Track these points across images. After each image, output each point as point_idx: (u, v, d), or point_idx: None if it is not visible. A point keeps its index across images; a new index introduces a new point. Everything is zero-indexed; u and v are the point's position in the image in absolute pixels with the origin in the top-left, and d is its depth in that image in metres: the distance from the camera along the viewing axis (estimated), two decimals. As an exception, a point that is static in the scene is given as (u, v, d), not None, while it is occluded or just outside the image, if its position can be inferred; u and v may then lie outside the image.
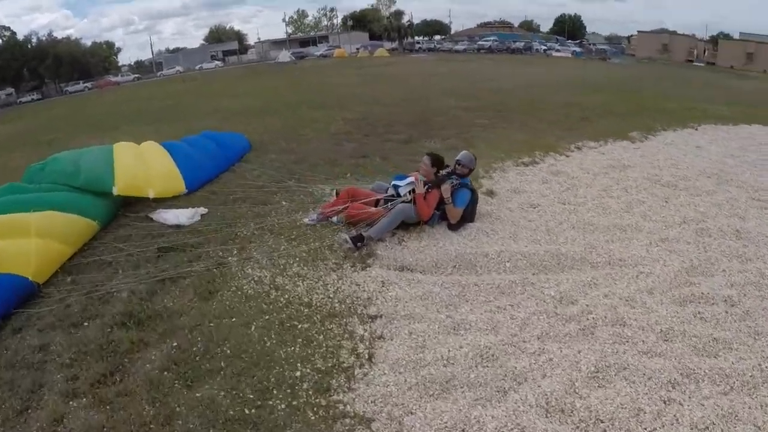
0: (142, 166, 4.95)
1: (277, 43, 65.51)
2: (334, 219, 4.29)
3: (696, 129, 8.89)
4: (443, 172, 4.29)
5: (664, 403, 2.43)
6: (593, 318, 3.10)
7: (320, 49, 56.36)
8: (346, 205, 4.27)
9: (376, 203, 4.23)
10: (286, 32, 70.57)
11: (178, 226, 4.25)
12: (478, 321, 3.07)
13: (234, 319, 3.00)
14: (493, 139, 7.59)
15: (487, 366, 2.65)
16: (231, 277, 3.50)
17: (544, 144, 7.24)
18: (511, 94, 13.68)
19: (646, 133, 8.36)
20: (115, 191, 4.50)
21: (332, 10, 77.35)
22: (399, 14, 72.14)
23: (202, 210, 4.57)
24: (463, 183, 4.27)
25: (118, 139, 6.22)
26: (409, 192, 4.10)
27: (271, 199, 4.96)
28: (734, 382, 2.57)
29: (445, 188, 4.11)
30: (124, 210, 4.77)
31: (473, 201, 4.31)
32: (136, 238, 4.13)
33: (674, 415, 2.34)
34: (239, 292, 3.30)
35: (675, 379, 2.58)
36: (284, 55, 46.94)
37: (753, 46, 43.80)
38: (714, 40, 54.95)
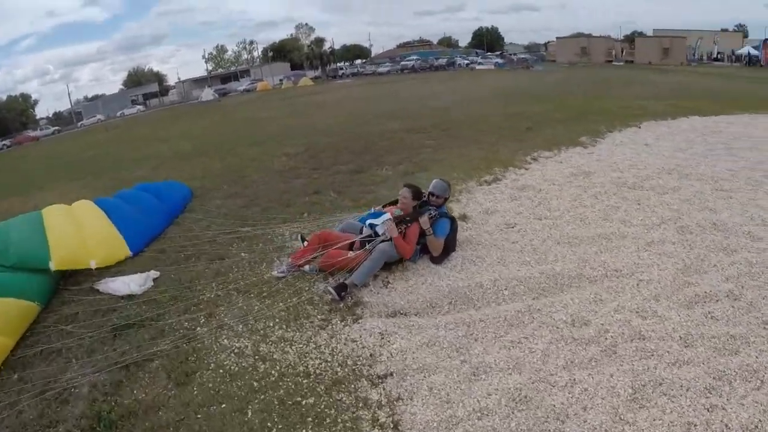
0: (78, 232, 4.89)
1: (199, 81, 70.96)
2: (307, 268, 4.27)
3: (639, 127, 10.11)
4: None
5: (708, 411, 2.64)
6: (611, 336, 3.32)
7: (243, 84, 60.41)
8: (319, 252, 4.27)
9: (351, 246, 4.25)
10: (207, 69, 74.64)
11: (130, 297, 4.15)
12: (497, 361, 3.14)
13: (224, 405, 2.80)
14: (448, 160, 8.01)
15: (524, 410, 2.70)
16: (206, 352, 3.32)
17: (500, 159, 7.79)
18: (449, 111, 14.65)
19: (595, 136, 9.32)
20: (53, 266, 4.30)
21: (251, 42, 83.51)
22: (320, 41, 78.49)
23: (154, 274, 4.51)
24: (441, 212, 4.45)
25: (45, 200, 6.26)
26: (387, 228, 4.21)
27: (228, 252, 4.97)
28: (763, 376, 2.86)
29: (424, 220, 4.26)
30: (65, 283, 4.53)
31: (453, 229, 4.49)
32: (84, 316, 3.96)
33: (722, 421, 2.56)
34: (221, 370, 3.12)
35: (710, 384, 2.82)
36: (207, 93, 50.61)
37: (668, 41, 51.42)
38: (630, 39, 63.60)
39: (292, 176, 8.06)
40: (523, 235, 4.88)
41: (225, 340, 3.44)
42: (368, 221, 4.32)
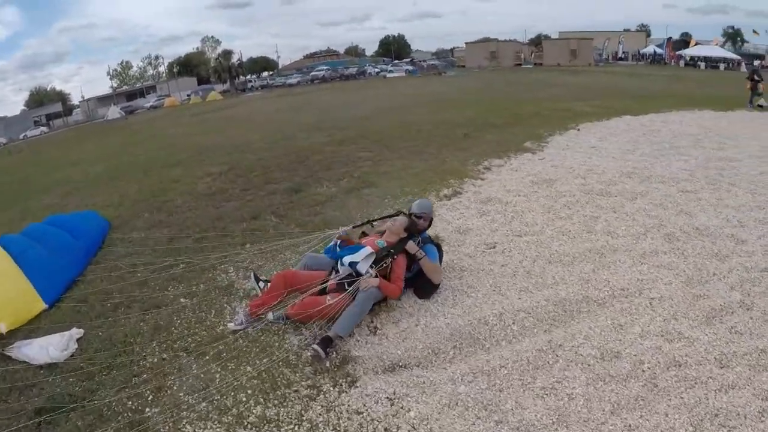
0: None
1: (104, 99, 72.27)
2: (270, 316, 3.81)
3: (578, 130, 10.76)
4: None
5: (771, 437, 2.62)
6: (648, 368, 3.26)
7: (149, 100, 62.38)
8: (284, 297, 3.84)
9: (323, 288, 3.81)
10: (112, 86, 76.77)
11: (50, 365, 3.58)
12: (538, 416, 2.94)
13: None
14: (393, 173, 7.84)
15: (592, 473, 2.46)
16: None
17: (451, 170, 7.77)
18: (375, 120, 14.66)
19: (538, 141, 9.75)
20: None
21: (157, 57, 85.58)
22: (228, 54, 79.63)
23: (77, 332, 3.94)
24: (424, 238, 4.20)
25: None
26: (371, 266, 3.81)
27: (165, 298, 4.47)
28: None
29: (411, 245, 4.00)
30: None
31: (440, 258, 4.24)
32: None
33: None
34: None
35: (761, 407, 2.88)
36: (113, 111, 49.83)
37: (575, 43, 56.99)
38: (536, 42, 69.37)
39: (222, 199, 7.50)
40: (510, 257, 4.76)
41: (187, 427, 2.86)
42: (346, 258, 3.88)
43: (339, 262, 3.95)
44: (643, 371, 3.27)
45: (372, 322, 3.82)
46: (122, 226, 6.59)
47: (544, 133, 10.51)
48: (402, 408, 2.98)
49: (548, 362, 3.42)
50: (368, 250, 3.86)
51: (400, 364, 3.43)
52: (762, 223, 5.31)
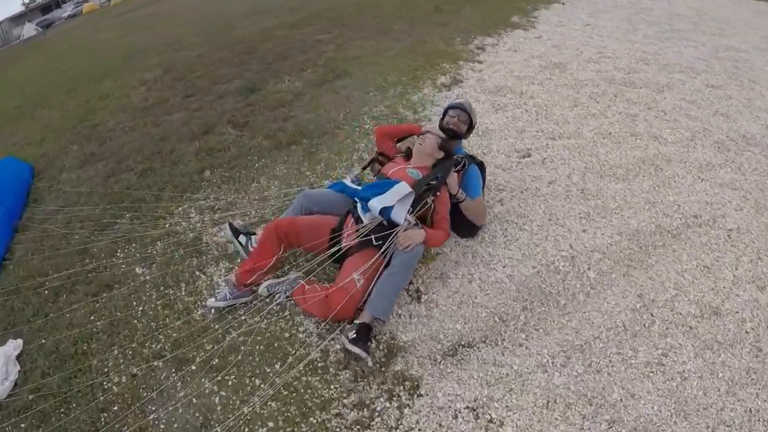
0: None
1: (17, 19, 60.05)
2: (263, 289, 2.61)
3: (563, 3, 9.26)
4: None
5: None
6: (752, 329, 2.63)
7: (66, 10, 52.48)
8: (280, 257, 2.59)
9: (336, 234, 2.62)
10: (24, 3, 63.27)
11: None
12: (656, 409, 2.19)
13: None
14: (366, 59, 6.21)
15: None
16: None
17: (436, 51, 6.28)
18: None
19: (525, 16, 8.25)
20: None
21: None
22: None
23: (15, 346, 2.59)
24: (463, 154, 3.03)
25: None
26: (409, 212, 2.55)
27: (114, 271, 3.06)
28: None
29: (452, 181, 2.80)
30: None
31: (483, 181, 3.07)
32: None
33: None
34: None
35: None
36: (29, 29, 41.35)
37: None
38: None
39: (163, 112, 5.49)
40: (554, 169, 3.69)
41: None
42: (374, 202, 2.54)
43: (359, 204, 2.65)
44: (747, 333, 2.58)
45: (412, 283, 2.71)
46: (48, 169, 4.68)
47: (527, 6, 8.93)
48: (492, 422, 2.03)
49: (645, 325, 2.58)
50: (404, 187, 2.57)
51: (463, 342, 2.42)
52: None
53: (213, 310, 2.61)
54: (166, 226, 3.36)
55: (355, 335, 2.24)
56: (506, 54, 6.22)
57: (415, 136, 3.04)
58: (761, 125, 4.63)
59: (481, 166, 3.06)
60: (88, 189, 3.99)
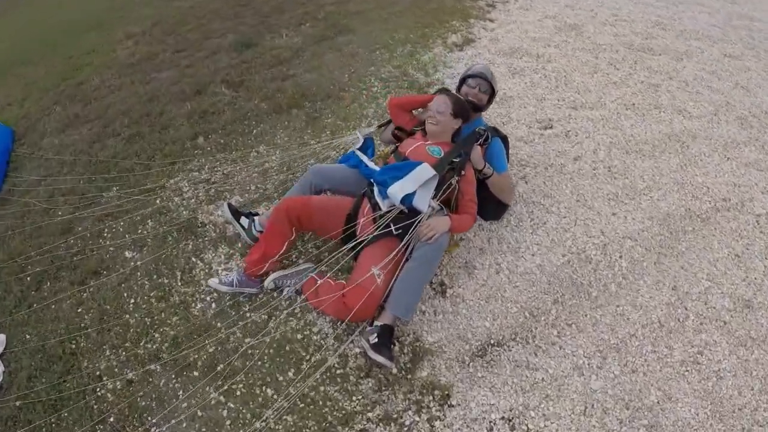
0: None
1: None
2: (270, 283, 2.33)
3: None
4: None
5: None
6: None
7: None
8: (292, 243, 2.33)
9: (353, 215, 2.35)
10: None
11: None
12: (693, 412, 2.09)
13: None
14: (370, 14, 5.68)
15: None
16: None
17: (447, 9, 5.76)
18: None
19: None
20: None
21: None
22: None
23: None
24: (483, 126, 2.70)
25: None
26: (433, 197, 2.25)
27: (101, 254, 2.72)
28: None
29: (476, 156, 2.47)
30: None
31: (507, 154, 2.79)
32: None
33: None
34: None
35: None
36: None
37: None
38: None
39: (152, 68, 4.90)
40: (579, 143, 3.43)
41: None
42: (394, 188, 2.21)
43: (375, 188, 2.34)
44: None
45: (435, 274, 2.46)
46: (30, 132, 4.15)
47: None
48: (529, 432, 1.83)
49: (679, 320, 2.44)
50: (426, 170, 2.25)
51: (492, 341, 2.23)
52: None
53: (213, 305, 2.34)
54: (157, 201, 3.01)
55: (377, 339, 2.01)
56: (518, 12, 5.78)
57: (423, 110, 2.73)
58: (782, 101, 4.41)
59: (505, 140, 2.77)
60: (71, 157, 3.57)
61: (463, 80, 2.81)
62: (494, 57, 4.54)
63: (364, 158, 2.59)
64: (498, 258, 2.54)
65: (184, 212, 2.92)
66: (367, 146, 2.69)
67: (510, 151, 3.00)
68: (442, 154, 2.41)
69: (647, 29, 5.44)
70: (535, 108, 3.79)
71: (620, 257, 2.63)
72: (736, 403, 2.15)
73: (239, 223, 2.56)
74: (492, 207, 2.69)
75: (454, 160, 2.36)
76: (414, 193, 2.18)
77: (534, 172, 3.12)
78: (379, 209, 2.25)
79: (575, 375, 2.10)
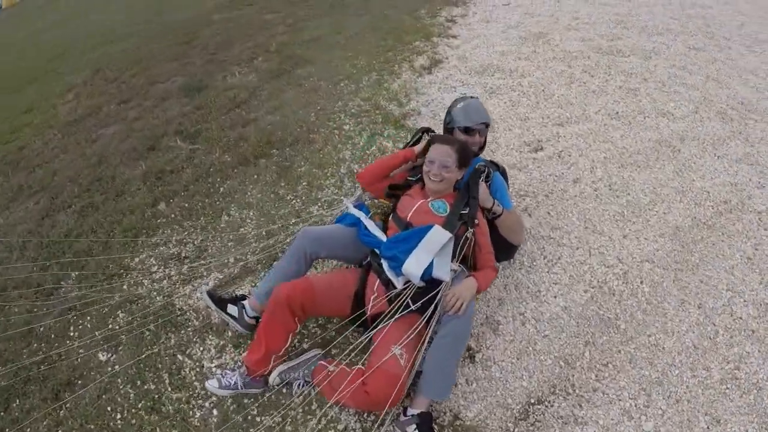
0: None
1: None
2: (275, 378, 2.11)
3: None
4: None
5: None
6: None
7: None
8: (295, 334, 2.11)
9: (357, 298, 2.17)
10: None
11: None
12: (742, 427, 2.08)
13: None
14: (327, 41, 5.65)
15: None
16: None
17: (406, 27, 5.82)
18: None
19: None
20: None
21: None
22: None
23: None
24: (482, 163, 2.58)
25: None
26: (455, 269, 2.12)
27: (73, 358, 2.43)
28: None
29: (485, 195, 2.36)
30: None
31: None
32: None
33: None
34: None
35: None
36: None
37: None
38: None
39: (96, 124, 4.62)
40: (574, 164, 3.44)
41: None
42: (409, 265, 2.01)
43: (385, 263, 2.14)
44: None
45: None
46: None
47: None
48: None
49: (710, 338, 2.46)
50: (440, 233, 2.08)
51: (533, 400, 2.14)
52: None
53: (215, 411, 2.13)
54: (124, 287, 2.74)
55: (416, 430, 1.87)
56: (480, 26, 5.83)
57: (413, 162, 2.58)
58: (752, 89, 4.57)
59: (504, 174, 2.71)
60: (20, 239, 3.27)
61: (451, 125, 2.64)
62: (466, 77, 4.53)
63: (363, 218, 2.43)
64: (520, 307, 2.47)
65: (158, 298, 2.66)
66: (359, 209, 2.52)
67: (508, 182, 2.96)
68: (449, 209, 2.26)
69: (610, 30, 5.55)
70: (521, 129, 3.78)
71: (641, 282, 2.61)
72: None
73: (227, 313, 2.35)
74: (502, 247, 2.61)
75: (463, 211, 2.25)
76: (431, 263, 2.01)
77: (535, 203, 3.09)
78: (393, 287, 2.09)
79: (625, 420, 2.05)
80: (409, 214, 2.26)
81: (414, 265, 1.99)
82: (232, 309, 2.33)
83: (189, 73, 5.27)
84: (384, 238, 2.21)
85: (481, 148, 2.66)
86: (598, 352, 2.33)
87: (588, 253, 2.74)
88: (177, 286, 2.72)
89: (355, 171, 3.36)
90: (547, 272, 2.64)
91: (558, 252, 2.75)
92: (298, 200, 3.21)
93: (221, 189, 3.41)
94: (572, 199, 3.10)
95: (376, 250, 2.20)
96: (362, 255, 2.32)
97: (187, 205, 3.30)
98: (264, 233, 2.93)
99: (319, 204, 3.14)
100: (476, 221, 2.24)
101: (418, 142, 2.71)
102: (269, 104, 4.36)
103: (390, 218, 2.37)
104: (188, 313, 2.56)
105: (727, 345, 2.40)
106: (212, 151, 3.80)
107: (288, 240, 2.78)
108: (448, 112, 2.66)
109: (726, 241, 2.93)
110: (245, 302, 2.34)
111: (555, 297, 2.51)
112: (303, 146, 3.73)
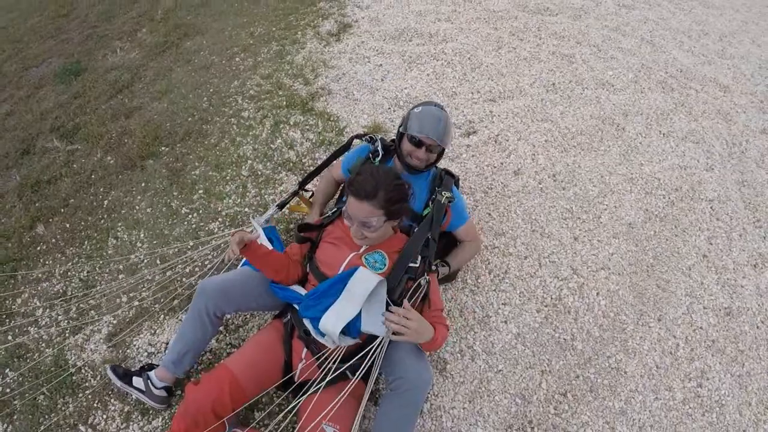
0: None
1: None
2: None
3: None
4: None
5: None
6: (762, 321, 2.47)
7: None
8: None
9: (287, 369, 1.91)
10: None
11: None
12: None
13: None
14: (223, 7, 5.09)
15: None
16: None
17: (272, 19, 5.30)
18: None
19: None
20: None
21: None
22: None
23: None
24: (436, 175, 2.36)
25: None
26: (388, 305, 1.79)
27: None
28: None
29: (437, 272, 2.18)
30: None
31: None
32: None
33: None
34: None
35: None
36: None
37: None
38: None
39: None
40: (511, 150, 3.34)
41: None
42: (330, 322, 1.70)
43: (306, 322, 1.85)
44: (759, 328, 2.65)
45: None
46: None
47: None
48: None
49: (671, 353, 2.50)
50: (366, 277, 1.77)
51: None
52: (724, 56, 4.79)
53: None
54: (9, 338, 2.37)
55: None
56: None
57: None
58: (687, 52, 4.70)
59: (457, 182, 2.49)
60: None
61: (410, 138, 2.20)
62: (381, 44, 4.22)
63: (261, 231, 2.10)
64: (468, 339, 2.28)
65: (48, 351, 2.31)
66: (270, 237, 2.17)
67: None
68: (388, 263, 1.90)
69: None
70: (449, 108, 3.57)
71: (597, 294, 2.54)
72: (740, 426, 2.26)
73: (134, 387, 2.04)
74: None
75: (412, 264, 1.90)
76: (358, 316, 1.71)
77: (473, 201, 2.90)
78: (316, 347, 1.82)
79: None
80: (334, 272, 1.88)
81: (332, 320, 1.69)
82: (137, 382, 2.05)
83: (66, 53, 4.67)
84: (302, 291, 1.90)
85: (429, 166, 2.30)
86: (556, 381, 2.22)
87: (538, 263, 2.61)
88: (67, 333, 2.37)
89: (260, 172, 3.00)
90: (495, 290, 2.47)
91: (504, 264, 2.59)
92: (195, 214, 2.84)
93: (105, 202, 3.01)
94: (515, 196, 2.95)
95: (296, 306, 1.89)
96: (277, 304, 2.02)
97: (68, 225, 2.91)
98: (158, 261, 2.58)
99: (220, 219, 2.77)
100: (434, 267, 1.97)
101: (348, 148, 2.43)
102: (155, 88, 3.91)
103: (307, 267, 2.01)
104: (84, 371, 2.24)
105: (688, 359, 2.43)
106: (93, 152, 3.36)
107: (187, 269, 2.49)
108: (407, 114, 2.29)
109: (680, 236, 2.95)
110: (151, 373, 2.06)
111: (506, 322, 2.35)
112: (196, 141, 3.34)
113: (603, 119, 3.60)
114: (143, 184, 3.05)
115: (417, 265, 1.91)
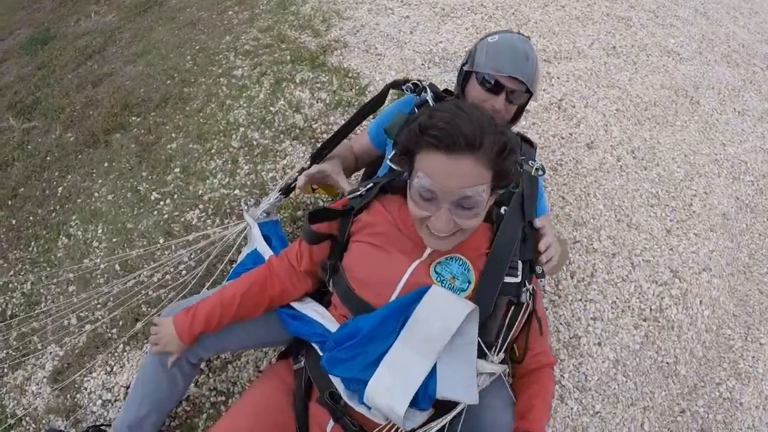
0: None
1: None
2: None
3: None
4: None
5: None
6: None
7: None
8: None
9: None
10: None
11: None
12: None
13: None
14: None
15: None
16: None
17: None
18: None
19: None
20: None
21: None
22: None
23: None
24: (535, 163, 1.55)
25: None
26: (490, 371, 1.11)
27: None
28: None
29: (547, 238, 1.27)
30: None
31: None
32: None
33: None
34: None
35: None
36: None
37: None
38: None
39: None
40: (580, 117, 2.70)
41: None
42: (379, 392, 0.97)
43: (336, 381, 1.12)
44: None
45: None
46: None
47: None
48: None
49: None
50: (450, 303, 1.04)
51: None
52: None
53: None
54: None
55: None
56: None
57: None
58: (743, 28, 4.08)
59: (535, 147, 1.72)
60: None
61: (482, 80, 1.46)
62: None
63: (257, 231, 1.47)
64: (554, 371, 1.65)
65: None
66: (269, 236, 1.51)
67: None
68: (474, 277, 1.15)
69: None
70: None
71: (701, 303, 1.94)
72: None
73: None
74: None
75: (510, 280, 1.15)
76: (433, 371, 1.01)
77: (542, 183, 2.25)
78: (351, 422, 1.12)
79: None
80: (392, 297, 1.12)
81: (387, 385, 1.00)
82: None
83: (36, 22, 3.93)
84: (331, 326, 1.18)
85: (513, 120, 1.62)
86: (657, 416, 1.64)
87: (630, 262, 1.99)
88: (5, 370, 1.75)
89: (255, 142, 2.30)
90: (581, 300, 1.85)
91: (590, 264, 1.97)
92: (168, 200, 2.13)
93: (59, 190, 2.32)
94: (591, 174, 2.31)
95: (316, 347, 1.20)
96: (281, 338, 1.33)
97: (14, 222, 2.25)
98: (118, 267, 1.89)
99: (201, 207, 2.07)
100: (532, 293, 1.19)
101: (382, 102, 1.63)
102: (130, 51, 3.17)
103: (329, 284, 1.25)
104: (24, 422, 1.68)
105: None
106: (51, 129, 2.67)
107: (155, 278, 1.78)
108: (474, 46, 1.56)
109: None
110: None
111: (600, 344, 1.75)
112: (175, 107, 2.60)
113: (675, 90, 2.98)
114: (106, 164, 2.35)
115: (518, 279, 1.15)
